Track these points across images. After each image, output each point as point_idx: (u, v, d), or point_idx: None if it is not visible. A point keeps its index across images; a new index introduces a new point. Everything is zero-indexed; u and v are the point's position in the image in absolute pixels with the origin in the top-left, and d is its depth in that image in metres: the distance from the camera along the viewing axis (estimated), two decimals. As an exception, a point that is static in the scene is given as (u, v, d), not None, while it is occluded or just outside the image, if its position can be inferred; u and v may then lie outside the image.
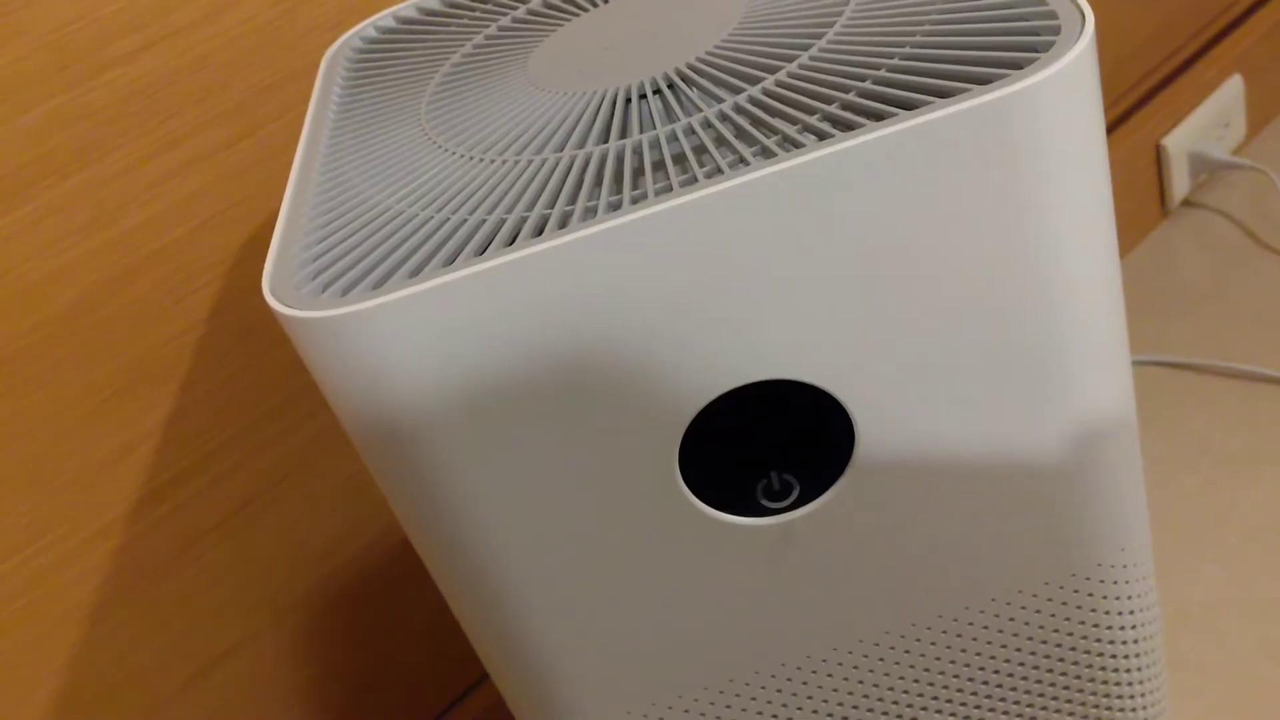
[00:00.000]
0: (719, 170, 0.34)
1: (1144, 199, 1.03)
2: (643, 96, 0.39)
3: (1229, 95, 1.05)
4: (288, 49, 0.56)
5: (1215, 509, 0.80)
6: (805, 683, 0.43)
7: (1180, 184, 1.04)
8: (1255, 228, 1.02)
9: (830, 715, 0.44)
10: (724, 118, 0.37)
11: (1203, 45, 1.04)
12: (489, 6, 0.51)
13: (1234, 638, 0.72)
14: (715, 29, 0.41)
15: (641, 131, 0.37)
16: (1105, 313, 0.38)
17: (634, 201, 0.34)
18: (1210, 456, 0.84)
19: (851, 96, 0.35)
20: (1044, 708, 0.46)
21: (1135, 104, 1.01)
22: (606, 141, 0.37)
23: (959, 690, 0.45)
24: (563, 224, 0.34)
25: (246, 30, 0.55)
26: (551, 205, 0.35)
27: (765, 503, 0.39)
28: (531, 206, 0.35)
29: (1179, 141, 1.02)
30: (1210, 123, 1.04)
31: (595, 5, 0.48)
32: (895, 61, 0.36)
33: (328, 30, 0.57)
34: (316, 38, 0.57)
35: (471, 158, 0.39)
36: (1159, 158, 1.02)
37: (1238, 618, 0.73)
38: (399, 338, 0.33)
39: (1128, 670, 0.46)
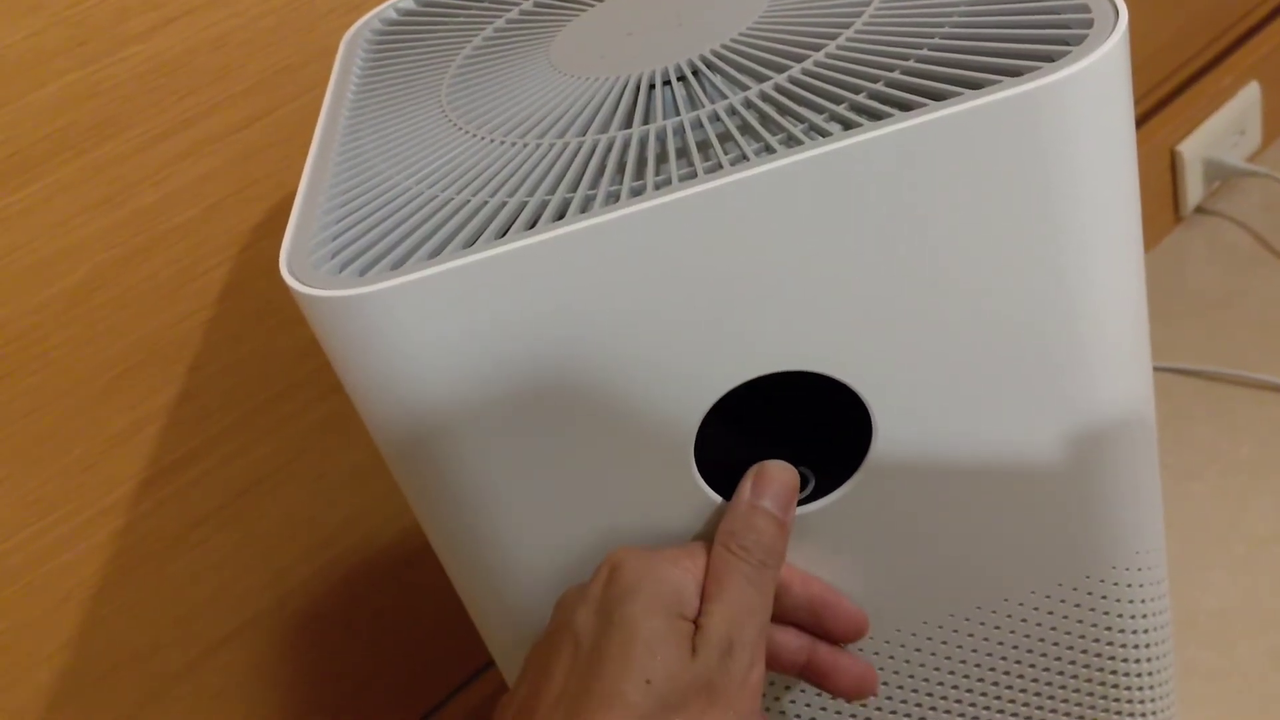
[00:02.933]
0: (744, 157, 0.33)
1: (1157, 205, 1.03)
2: (666, 83, 0.39)
3: (1245, 102, 1.04)
4: (306, 30, 0.56)
5: (1223, 517, 0.80)
6: (814, 679, 0.43)
7: (1194, 190, 1.04)
8: (1268, 235, 1.01)
9: (840, 711, 0.44)
10: (749, 105, 0.36)
11: (1220, 52, 1.04)
12: (510, -9, 0.50)
13: (1242, 646, 0.72)
14: (740, 16, 0.41)
15: (665, 118, 0.37)
16: (1129, 312, 0.38)
17: (657, 187, 0.33)
18: (1219, 464, 0.84)
19: (879, 86, 0.35)
20: (1054, 710, 0.45)
21: (1151, 109, 1.00)
22: (629, 127, 0.37)
23: (969, 690, 0.44)
24: (585, 208, 0.34)
25: (265, 10, 0.54)
26: (574, 189, 0.35)
27: (780, 496, 0.39)
28: (553, 190, 0.35)
29: (1194, 148, 1.01)
30: (1226, 130, 1.04)
31: (618, -9, 0.47)
32: (924, 52, 0.36)
33: (347, 12, 0.56)
34: (335, 19, 0.56)
35: (492, 140, 0.39)
36: (1173, 163, 1.02)
37: (1245, 626, 0.73)
38: (417, 318, 0.33)
39: (1139, 674, 0.45)
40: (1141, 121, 1.00)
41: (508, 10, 0.48)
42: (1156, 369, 0.91)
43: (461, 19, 0.49)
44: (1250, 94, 1.05)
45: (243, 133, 0.56)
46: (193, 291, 0.56)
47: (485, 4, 0.50)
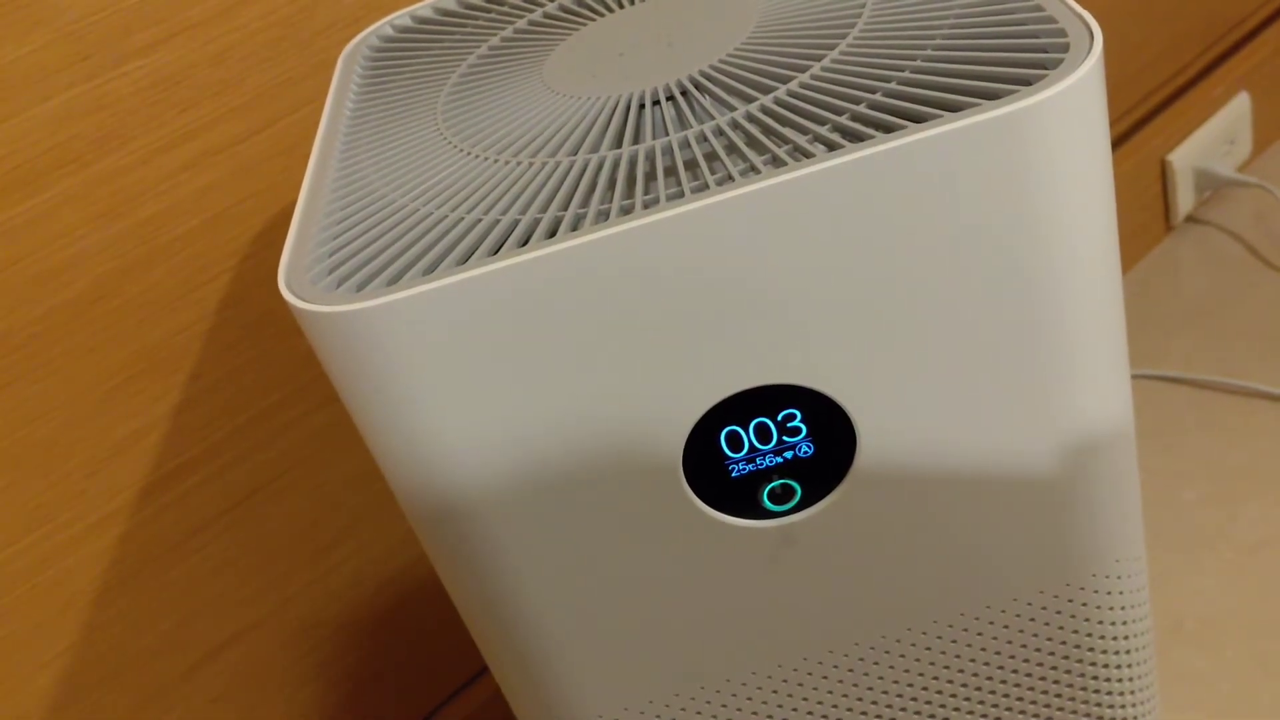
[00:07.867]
0: (730, 177, 0.34)
1: (1149, 214, 1.04)
2: (656, 103, 0.40)
3: (1236, 112, 1.05)
4: (305, 45, 0.57)
5: (1212, 523, 0.81)
6: (801, 684, 0.44)
7: (1185, 200, 1.05)
8: (1258, 245, 1.02)
9: (825, 717, 0.45)
10: (736, 125, 0.37)
11: (1211, 62, 1.05)
12: (505, 9, 0.51)
13: (1229, 652, 0.73)
14: (729, 37, 0.42)
15: (654, 137, 0.38)
16: (1106, 326, 0.39)
17: (646, 206, 0.34)
18: (1208, 471, 0.85)
19: (862, 108, 0.36)
20: (1035, 716, 0.46)
21: (1142, 119, 1.01)
22: (620, 146, 0.38)
23: (951, 696, 0.45)
24: (575, 227, 0.34)
25: (265, 25, 0.55)
26: (565, 208, 0.36)
27: (767, 506, 0.40)
28: (545, 208, 0.36)
29: (1185, 157, 1.02)
30: (1216, 139, 1.05)
31: (611, 10, 0.48)
32: (905, 75, 0.36)
33: (345, 27, 0.57)
34: (334, 34, 0.57)
35: (486, 158, 0.40)
36: (1164, 173, 1.03)
37: (1233, 632, 0.74)
38: (413, 334, 0.34)
39: (1119, 680, 0.46)
40: (1132, 131, 1.01)
41: (502, 28, 0.49)
42: (1147, 377, 0.92)
43: (457, 36, 0.50)
44: (1240, 104, 1.06)
45: (243, 145, 0.57)
46: (193, 301, 0.57)
47: (480, 22, 0.51)
